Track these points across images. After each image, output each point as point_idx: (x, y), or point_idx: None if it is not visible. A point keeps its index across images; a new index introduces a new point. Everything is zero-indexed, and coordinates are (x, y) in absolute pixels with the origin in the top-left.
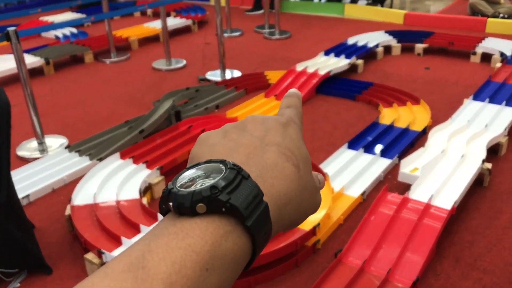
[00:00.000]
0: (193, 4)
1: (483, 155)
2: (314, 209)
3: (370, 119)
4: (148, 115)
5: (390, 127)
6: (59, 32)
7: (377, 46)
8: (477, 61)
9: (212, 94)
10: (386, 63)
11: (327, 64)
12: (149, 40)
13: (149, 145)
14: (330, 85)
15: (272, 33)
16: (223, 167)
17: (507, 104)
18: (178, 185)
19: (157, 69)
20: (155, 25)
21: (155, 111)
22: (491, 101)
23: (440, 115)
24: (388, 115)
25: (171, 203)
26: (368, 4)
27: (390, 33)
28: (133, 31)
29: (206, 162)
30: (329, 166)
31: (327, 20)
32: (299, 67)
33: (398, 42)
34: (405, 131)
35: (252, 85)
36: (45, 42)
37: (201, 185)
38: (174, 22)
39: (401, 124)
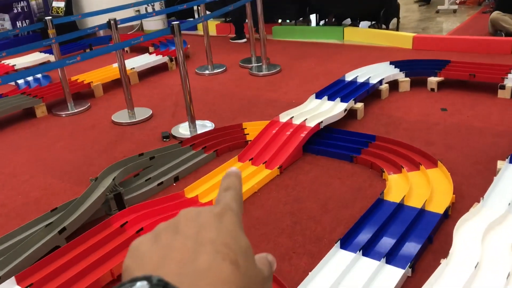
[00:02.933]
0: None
1: None
2: None
3: (371, 194)
4: (78, 202)
5: (400, 207)
6: None
7: (380, 82)
8: (507, 97)
9: (172, 160)
10: (392, 104)
11: (318, 111)
12: (117, 84)
13: (62, 258)
14: (321, 140)
15: (259, 68)
16: (147, 286)
17: None
18: None
19: (117, 123)
20: (127, 65)
21: (88, 194)
22: None
23: (465, 184)
24: (396, 188)
25: None
26: (370, 26)
27: (396, 64)
28: (97, 75)
29: (131, 280)
30: (311, 285)
31: (324, 47)
32: (284, 118)
33: (406, 76)
34: (420, 213)
35: (226, 142)
36: (1, 90)
37: None
38: (147, 60)
39: (413, 202)
